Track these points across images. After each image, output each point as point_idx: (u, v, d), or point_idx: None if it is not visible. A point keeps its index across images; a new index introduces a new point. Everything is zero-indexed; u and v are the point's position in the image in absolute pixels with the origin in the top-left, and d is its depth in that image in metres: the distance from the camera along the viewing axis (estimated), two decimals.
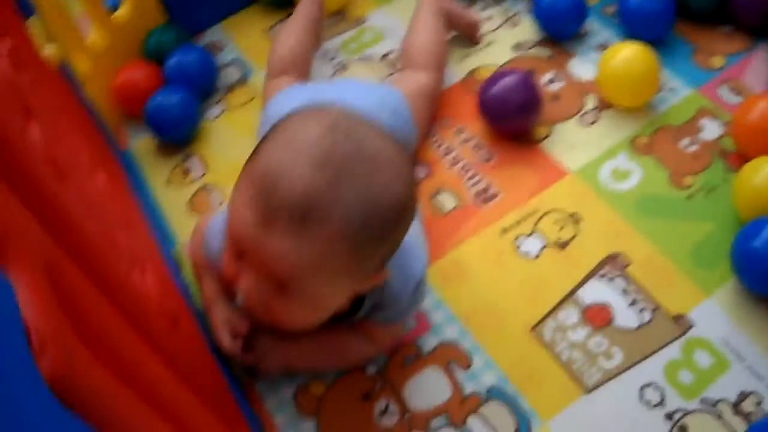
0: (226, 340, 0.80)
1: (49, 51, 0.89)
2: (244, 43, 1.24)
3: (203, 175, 1.08)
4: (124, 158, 1.10)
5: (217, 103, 1.17)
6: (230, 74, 1.21)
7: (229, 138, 1.12)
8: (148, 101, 1.09)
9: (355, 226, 0.62)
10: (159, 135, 1.11)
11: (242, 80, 1.19)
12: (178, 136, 1.11)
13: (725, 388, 0.83)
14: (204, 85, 1.16)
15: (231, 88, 1.19)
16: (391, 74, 1.15)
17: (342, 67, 1.19)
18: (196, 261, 0.88)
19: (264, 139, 0.67)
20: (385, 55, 1.19)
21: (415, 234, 0.82)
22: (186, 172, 1.09)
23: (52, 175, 0.51)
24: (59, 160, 0.57)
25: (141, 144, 1.13)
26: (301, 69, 1.10)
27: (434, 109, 1.08)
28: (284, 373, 0.87)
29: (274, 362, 0.86)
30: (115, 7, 1.15)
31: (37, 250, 0.37)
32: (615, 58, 1.03)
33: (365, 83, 1.01)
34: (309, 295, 0.66)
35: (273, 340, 0.87)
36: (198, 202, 1.06)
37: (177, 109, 1.09)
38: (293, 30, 1.12)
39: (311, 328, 0.75)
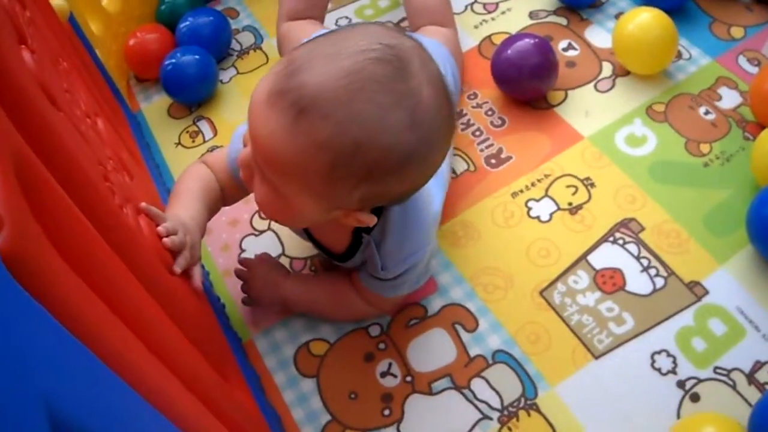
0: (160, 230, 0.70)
1: (57, 2, 0.88)
2: (259, 10, 1.23)
3: (212, 137, 1.07)
4: (135, 120, 1.09)
5: (229, 67, 1.16)
6: (244, 39, 1.20)
7: (240, 102, 1.10)
8: (165, 60, 1.08)
9: (342, 146, 0.59)
10: (174, 95, 1.09)
11: (255, 45, 1.18)
12: (194, 97, 1.10)
13: (739, 357, 0.80)
14: (216, 49, 1.14)
15: (244, 53, 1.18)
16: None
17: None
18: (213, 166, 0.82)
19: (331, 31, 0.65)
20: (400, 22, 1.17)
21: (429, 214, 0.78)
22: (195, 135, 1.08)
23: (41, 96, 0.50)
24: (52, 91, 0.56)
25: (152, 106, 1.12)
26: (320, 13, 1.06)
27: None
28: (280, 305, 0.86)
29: (273, 293, 0.85)
30: None
31: (4, 140, 0.36)
32: (631, 23, 1.00)
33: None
34: (280, 188, 0.64)
35: (274, 271, 0.86)
36: None
37: (194, 69, 1.07)
38: None
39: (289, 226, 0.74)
